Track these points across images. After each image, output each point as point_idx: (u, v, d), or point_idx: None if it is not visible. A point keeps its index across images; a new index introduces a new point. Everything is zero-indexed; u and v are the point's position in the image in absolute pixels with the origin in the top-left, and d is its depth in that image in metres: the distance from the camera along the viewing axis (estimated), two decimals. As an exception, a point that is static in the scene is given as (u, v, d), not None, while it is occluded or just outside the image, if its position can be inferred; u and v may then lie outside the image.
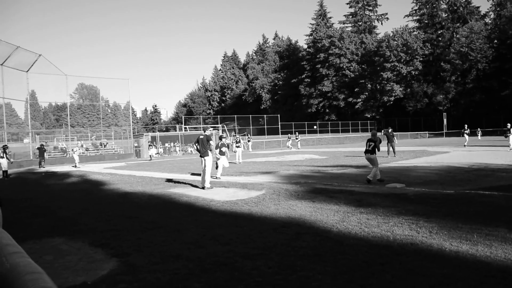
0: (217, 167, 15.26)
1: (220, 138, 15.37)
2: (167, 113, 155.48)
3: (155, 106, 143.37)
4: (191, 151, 42.85)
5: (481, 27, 67.18)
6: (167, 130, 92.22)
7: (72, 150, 30.63)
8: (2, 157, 20.69)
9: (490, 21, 74.27)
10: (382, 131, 23.48)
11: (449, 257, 4.96)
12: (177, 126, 66.30)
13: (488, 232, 5.96)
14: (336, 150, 33.62)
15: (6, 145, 22.41)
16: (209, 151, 12.65)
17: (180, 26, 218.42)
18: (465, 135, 31.21)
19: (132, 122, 49.57)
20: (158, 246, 6.03)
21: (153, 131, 65.58)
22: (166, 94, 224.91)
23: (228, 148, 16.35)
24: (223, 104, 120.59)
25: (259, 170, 17.93)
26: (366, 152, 12.56)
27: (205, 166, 12.40)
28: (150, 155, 33.78)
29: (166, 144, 42.35)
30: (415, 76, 73.86)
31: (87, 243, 6.43)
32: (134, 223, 7.81)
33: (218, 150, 15.11)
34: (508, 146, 24.19)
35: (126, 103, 58.90)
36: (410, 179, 12.19)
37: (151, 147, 34.65)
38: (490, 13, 77.23)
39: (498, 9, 73.17)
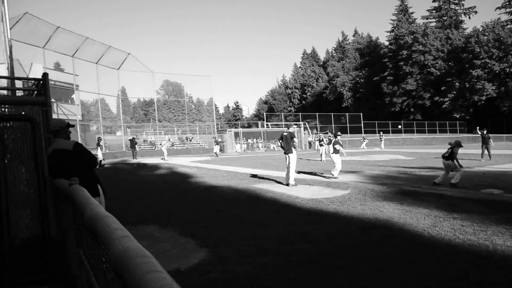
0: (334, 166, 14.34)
1: (336, 135, 14.80)
2: (248, 110, 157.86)
3: (237, 102, 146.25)
4: (273, 147, 43.25)
5: None
6: (249, 126, 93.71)
7: (161, 144, 32.20)
8: (97, 148, 22.35)
9: None
10: (479, 132, 21.96)
11: None
12: (259, 122, 67.24)
13: None
14: (423, 151, 32.17)
15: (100, 137, 24.19)
16: (293, 148, 12.63)
17: (260, 24, 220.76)
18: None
19: (215, 117, 51.00)
20: (246, 240, 6.15)
21: (236, 127, 66.96)
22: (247, 91, 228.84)
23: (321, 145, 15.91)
24: (303, 102, 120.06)
25: (343, 169, 17.60)
26: (443, 157, 12.00)
27: (289, 163, 12.43)
28: (215, 152, 33.22)
29: (249, 140, 43.09)
30: (510, 74, 68.48)
31: (178, 232, 6.72)
32: (222, 216, 8.03)
33: (332, 148, 14.46)
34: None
35: (209, 99, 60.78)
36: (508, 185, 11.33)
37: (216, 144, 34.23)
38: None
39: None
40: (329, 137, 24.36)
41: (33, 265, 4.76)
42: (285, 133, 12.88)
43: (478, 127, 22.70)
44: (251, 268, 4.88)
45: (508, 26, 71.28)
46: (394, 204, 8.79)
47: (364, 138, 42.26)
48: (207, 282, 4.50)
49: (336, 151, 14.27)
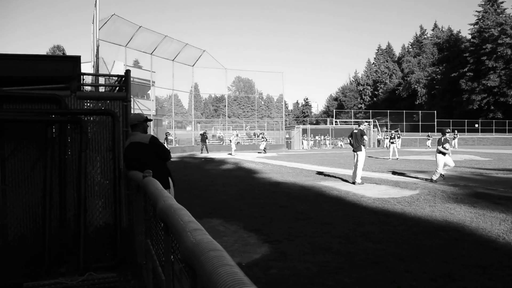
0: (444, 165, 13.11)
1: (444, 133, 13.23)
2: (317, 107, 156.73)
3: (306, 99, 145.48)
4: (341, 145, 42.65)
5: None
6: (317, 123, 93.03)
7: (230, 140, 32.81)
8: (164, 142, 23.25)
9: None
10: None
11: None
12: (328, 119, 66.46)
13: None
14: (502, 152, 30.24)
15: (168, 132, 25.12)
16: (362, 146, 12.40)
17: (333, 19, 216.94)
18: None
19: (284, 114, 51.09)
20: (309, 237, 6.14)
21: (304, 124, 66.70)
22: (317, 87, 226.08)
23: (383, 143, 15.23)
24: (375, 99, 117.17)
25: (413, 168, 17.05)
26: None
27: (357, 161, 12.21)
28: (263, 149, 32.39)
29: (316, 137, 42.76)
30: None
31: (242, 227, 6.84)
32: (286, 212, 8.07)
33: (441, 146, 13.01)
34: None
35: (279, 95, 60.90)
36: None
37: (263, 140, 33.38)
38: None
39: None
40: (398, 135, 23.63)
41: (104, 252, 5.07)
42: (355, 131, 12.69)
43: None
44: (312, 265, 4.87)
45: None
46: (466, 207, 8.37)
47: (428, 136, 40.42)
48: (267, 278, 4.55)
49: (440, 152, 12.81)
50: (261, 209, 8.44)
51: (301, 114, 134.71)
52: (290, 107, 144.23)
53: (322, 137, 42.91)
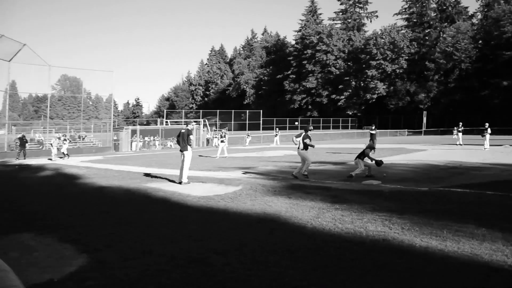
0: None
1: (306, 129, 13.65)
2: (149, 107, 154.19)
3: (138, 99, 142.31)
4: (170, 145, 42.52)
5: (468, 27, 67.78)
6: (148, 123, 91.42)
7: (51, 144, 29.85)
8: None
9: (477, 22, 75.04)
10: (368, 127, 23.40)
11: (419, 253, 5.03)
12: (158, 120, 65.82)
13: (458, 228, 6.05)
14: (316, 147, 33.62)
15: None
16: (188, 146, 12.43)
17: (167, 19, 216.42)
18: (458, 133, 31.07)
19: (113, 115, 48.95)
20: (130, 242, 5.96)
21: (134, 125, 64.92)
22: (150, 87, 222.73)
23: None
24: (206, 99, 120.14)
25: (238, 165, 17.89)
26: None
27: (183, 160, 12.26)
28: (62, 152, 27.41)
29: (146, 138, 41.86)
30: (399, 74, 74.42)
31: (57, 238, 6.29)
32: (108, 218, 7.71)
33: (302, 143, 13.33)
34: (483, 145, 24.59)
35: (108, 95, 58.32)
36: (386, 176, 12.29)
37: (59, 141, 28.24)
38: (478, 13, 78.09)
39: (485, 10, 73.93)
40: (225, 133, 24.44)
41: None
42: (182, 130, 12.65)
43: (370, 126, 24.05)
44: (132, 271, 4.72)
45: (402, 31, 77.35)
46: (282, 198, 9.09)
47: (248, 135, 42.98)
48: (83, 291, 4.28)
49: (306, 147, 13.36)
50: (81, 216, 7.91)
51: (132, 114, 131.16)
52: (120, 108, 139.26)
53: (152, 138, 42.22)
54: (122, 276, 4.59)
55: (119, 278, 4.54)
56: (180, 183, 12.06)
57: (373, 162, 12.84)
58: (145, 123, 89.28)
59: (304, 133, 13.47)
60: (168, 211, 8.18)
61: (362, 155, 12.96)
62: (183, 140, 12.46)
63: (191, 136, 12.52)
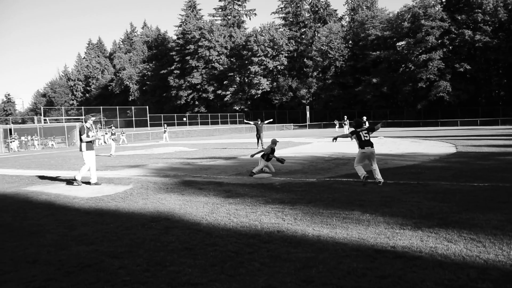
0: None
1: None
2: (23, 104, 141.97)
3: (8, 95, 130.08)
4: (52, 144, 39.65)
5: (339, 28, 73.13)
6: (24, 122, 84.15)
7: None
8: None
9: (346, 24, 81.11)
10: (253, 122, 23.85)
11: (312, 241, 5.27)
12: (35, 117, 60.94)
13: (345, 215, 6.48)
14: (206, 142, 33.80)
15: None
16: (82, 145, 11.40)
17: (40, 8, 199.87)
18: (344, 126, 33.09)
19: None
20: (10, 252, 5.41)
21: (7, 123, 59.23)
22: (22, 82, 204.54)
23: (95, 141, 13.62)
24: (87, 95, 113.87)
25: (127, 163, 17.23)
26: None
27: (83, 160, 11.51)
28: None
29: (23, 138, 38.40)
30: (281, 71, 77.51)
31: None
32: (-19, 227, 6.92)
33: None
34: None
35: (-29, 91, 52.17)
36: (276, 169, 12.71)
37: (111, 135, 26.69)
38: (346, 16, 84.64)
39: (352, 13, 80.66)
40: (115, 131, 23.40)
41: None
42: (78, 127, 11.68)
43: (257, 120, 24.45)
44: (16, 284, 4.29)
45: (280, 29, 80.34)
46: (175, 196, 8.95)
47: (123, 133, 41.40)
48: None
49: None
50: None
51: (3, 112, 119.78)
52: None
53: (30, 137, 38.88)
54: (2, 291, 4.16)
55: (-1, 293, 4.10)
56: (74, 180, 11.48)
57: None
58: (20, 121, 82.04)
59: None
60: (54, 215, 7.56)
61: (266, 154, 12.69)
62: (79, 138, 11.59)
63: (83, 136, 11.36)
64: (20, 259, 5.12)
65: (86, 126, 11.48)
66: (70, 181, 11.94)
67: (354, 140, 10.25)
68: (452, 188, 8.54)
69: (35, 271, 4.67)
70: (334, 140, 10.62)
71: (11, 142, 36.19)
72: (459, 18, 58.36)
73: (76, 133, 41.15)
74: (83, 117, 47.20)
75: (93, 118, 12.02)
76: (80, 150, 11.48)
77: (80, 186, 11.17)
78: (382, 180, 9.41)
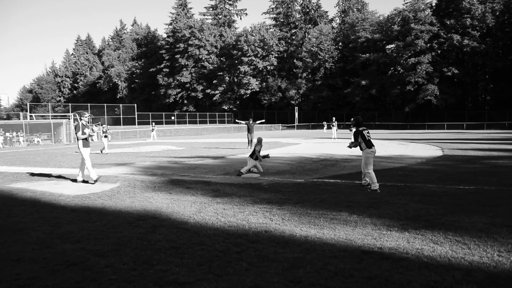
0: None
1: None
2: (8, 99, 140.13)
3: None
4: (38, 141, 39.19)
5: (329, 30, 73.45)
6: (9, 117, 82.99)
7: None
8: None
9: (336, 26, 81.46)
10: (245, 122, 23.80)
11: (300, 242, 5.28)
12: (21, 113, 60.21)
13: (333, 216, 6.50)
14: (194, 141, 33.71)
15: None
16: (79, 142, 11.12)
17: (29, 4, 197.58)
18: (332, 127, 33.07)
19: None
20: (-7, 250, 5.33)
21: (-9, 119, 58.43)
22: (7, 77, 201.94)
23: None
24: (75, 91, 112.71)
25: (114, 161, 17.10)
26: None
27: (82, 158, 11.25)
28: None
29: (8, 134, 37.86)
30: (271, 71, 77.57)
31: None
32: (-37, 224, 6.80)
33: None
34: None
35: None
36: (264, 169, 12.71)
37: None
38: (336, 18, 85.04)
39: (342, 15, 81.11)
40: (107, 129, 23.16)
41: None
42: (75, 123, 11.41)
43: (248, 120, 24.27)
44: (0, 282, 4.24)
45: (271, 30, 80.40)
46: (163, 194, 8.91)
47: (153, 129, 40.37)
48: None
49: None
50: None
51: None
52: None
53: (15, 133, 38.36)
54: (-15, 290, 4.09)
55: (-18, 291, 4.04)
56: (83, 181, 11.24)
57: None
58: (5, 117, 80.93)
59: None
60: (39, 212, 7.46)
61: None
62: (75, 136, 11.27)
63: (78, 133, 11.08)
64: (3, 257, 5.05)
65: (82, 123, 11.22)
66: (74, 180, 11.75)
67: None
68: (438, 190, 8.62)
69: (19, 269, 4.61)
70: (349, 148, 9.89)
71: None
72: (448, 23, 58.94)
73: (63, 129, 40.76)
74: (70, 114, 46.77)
75: (88, 115, 11.79)
76: (78, 147, 11.21)
77: (95, 183, 10.77)
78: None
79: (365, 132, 9.38)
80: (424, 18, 59.52)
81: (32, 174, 13.18)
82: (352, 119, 9.97)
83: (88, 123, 11.59)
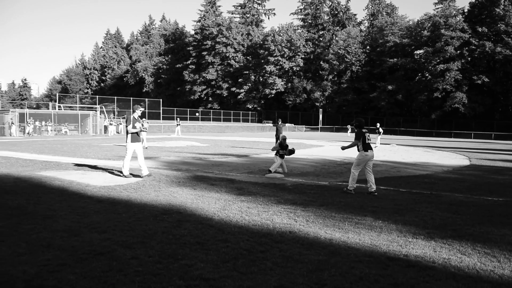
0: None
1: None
2: (38, 89, 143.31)
3: (25, 80, 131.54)
4: (65, 131, 40.01)
5: (357, 33, 72.91)
6: (39, 107, 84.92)
7: None
8: None
9: (364, 29, 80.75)
10: (275, 124, 23.82)
11: (324, 244, 5.25)
12: (50, 104, 61.50)
13: (357, 221, 6.45)
14: (217, 139, 33.89)
15: None
16: (128, 137, 10.88)
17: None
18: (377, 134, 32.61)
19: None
20: (25, 235, 5.46)
21: (22, 107, 59.86)
22: (39, 68, 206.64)
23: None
24: (102, 84, 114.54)
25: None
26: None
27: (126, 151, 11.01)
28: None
29: (37, 123, 38.74)
30: (296, 72, 77.37)
31: None
32: (-4, 209, 6.99)
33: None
34: (374, 143, 26.57)
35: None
36: (288, 170, 12.69)
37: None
38: (365, 21, 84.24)
39: (371, 18, 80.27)
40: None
41: None
42: (129, 116, 11.04)
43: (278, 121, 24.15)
44: (29, 267, 4.32)
45: (298, 30, 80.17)
46: (187, 190, 8.99)
47: (178, 123, 40.73)
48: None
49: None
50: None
51: (19, 96, 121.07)
52: (4, 88, 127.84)
53: (44, 123, 39.23)
54: (18, 273, 4.18)
55: (14, 275, 4.13)
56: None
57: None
58: (35, 106, 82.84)
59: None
60: (66, 201, 7.63)
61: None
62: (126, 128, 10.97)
63: (129, 127, 10.76)
64: (34, 242, 5.17)
65: (134, 117, 10.90)
66: (112, 172, 11.85)
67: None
68: (466, 200, 8.46)
69: (48, 255, 4.71)
70: (343, 149, 10.17)
71: (27, 126, 36.57)
72: (480, 30, 57.77)
73: (90, 121, 41.46)
74: (97, 106, 47.53)
75: (142, 109, 11.30)
76: (127, 140, 10.99)
77: (129, 178, 10.62)
78: (375, 188, 9.07)
79: (366, 135, 9.33)
80: (455, 24, 58.44)
81: (78, 165, 13.33)
82: (354, 120, 9.92)
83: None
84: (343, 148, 10.05)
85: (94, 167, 12.65)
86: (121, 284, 3.92)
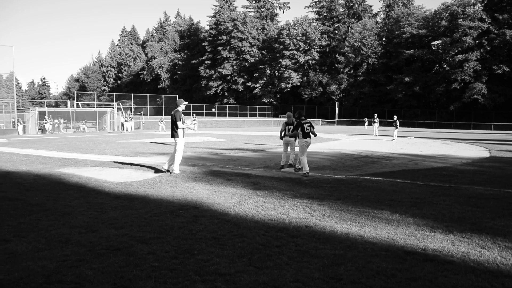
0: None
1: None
2: (57, 87, 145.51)
3: (44, 78, 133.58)
4: (83, 128, 40.52)
5: (373, 24, 72.07)
6: (57, 105, 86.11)
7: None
8: None
9: (380, 20, 79.78)
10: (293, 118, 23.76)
11: (340, 239, 5.22)
12: (69, 101, 62.30)
13: (374, 214, 6.40)
14: (234, 134, 33.96)
15: None
16: (179, 132, 10.64)
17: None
18: (374, 124, 32.60)
19: (16, 94, 45.30)
20: (44, 231, 5.55)
21: (41, 106, 60.76)
22: (57, 67, 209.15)
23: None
24: (119, 81, 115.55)
25: (155, 151, 17.46)
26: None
27: (174, 149, 10.85)
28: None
29: (56, 121, 39.31)
30: (312, 66, 76.92)
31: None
32: (16, 206, 7.10)
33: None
34: (392, 136, 26.35)
35: (9, 73, 53.76)
36: (313, 164, 12.63)
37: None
38: (381, 13, 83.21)
39: (387, 10, 79.20)
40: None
41: None
42: (172, 113, 10.92)
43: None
44: (49, 262, 4.39)
45: (313, 23, 79.62)
46: (203, 185, 9.02)
47: (194, 119, 41.34)
48: (-10, 288, 3.89)
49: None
50: (-17, 205, 7.23)
51: (38, 95, 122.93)
52: (24, 87, 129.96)
53: (63, 120, 39.80)
54: (37, 268, 4.25)
55: (34, 270, 4.19)
56: (167, 170, 10.85)
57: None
58: (54, 104, 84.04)
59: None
60: (85, 197, 7.74)
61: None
62: (172, 124, 10.75)
63: (179, 123, 10.59)
64: (53, 238, 5.25)
65: (180, 112, 10.73)
66: (158, 170, 11.15)
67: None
68: (485, 193, 8.31)
69: (67, 251, 4.78)
70: (281, 139, 12.18)
71: (45, 124, 37.15)
72: (501, 18, 56.50)
73: (107, 118, 41.88)
74: (114, 103, 47.97)
75: (186, 102, 11.16)
76: (173, 137, 10.77)
77: (176, 173, 10.57)
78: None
79: (305, 125, 11.10)
80: (473, 14, 57.27)
81: (116, 162, 13.34)
82: (296, 112, 11.72)
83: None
84: (284, 136, 12.11)
85: (112, 164, 12.77)
86: (138, 279, 3.95)
